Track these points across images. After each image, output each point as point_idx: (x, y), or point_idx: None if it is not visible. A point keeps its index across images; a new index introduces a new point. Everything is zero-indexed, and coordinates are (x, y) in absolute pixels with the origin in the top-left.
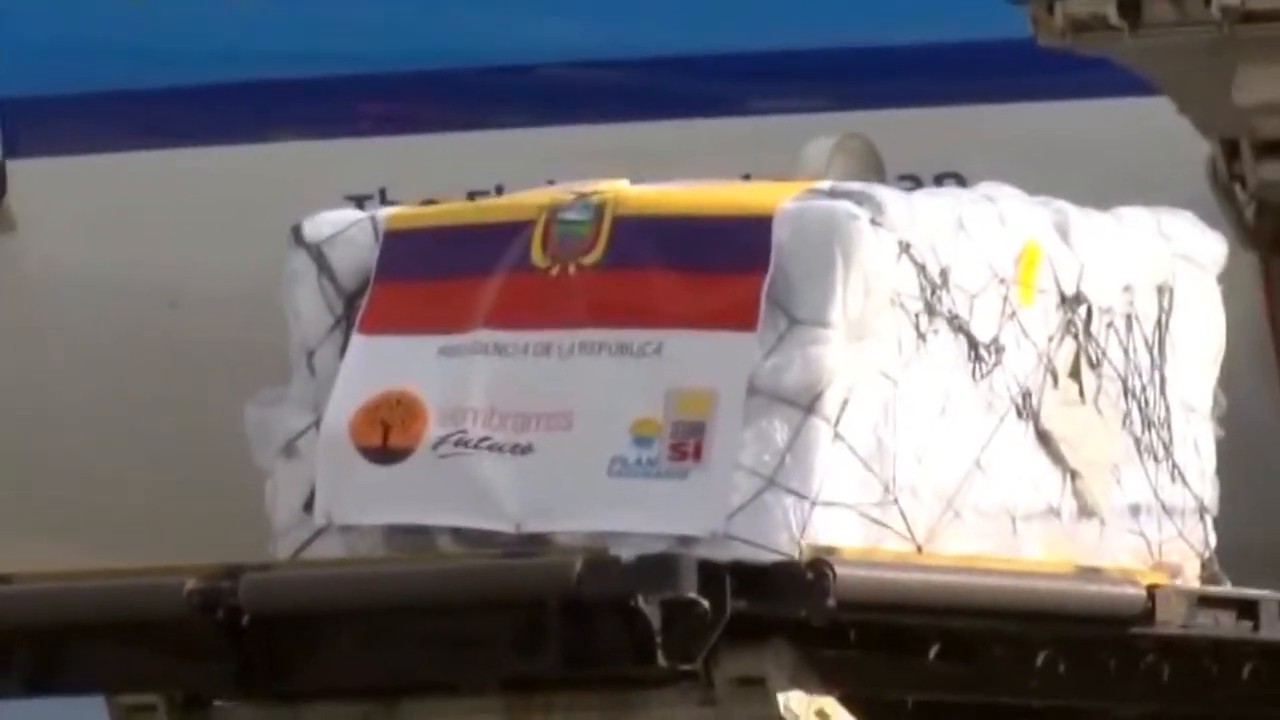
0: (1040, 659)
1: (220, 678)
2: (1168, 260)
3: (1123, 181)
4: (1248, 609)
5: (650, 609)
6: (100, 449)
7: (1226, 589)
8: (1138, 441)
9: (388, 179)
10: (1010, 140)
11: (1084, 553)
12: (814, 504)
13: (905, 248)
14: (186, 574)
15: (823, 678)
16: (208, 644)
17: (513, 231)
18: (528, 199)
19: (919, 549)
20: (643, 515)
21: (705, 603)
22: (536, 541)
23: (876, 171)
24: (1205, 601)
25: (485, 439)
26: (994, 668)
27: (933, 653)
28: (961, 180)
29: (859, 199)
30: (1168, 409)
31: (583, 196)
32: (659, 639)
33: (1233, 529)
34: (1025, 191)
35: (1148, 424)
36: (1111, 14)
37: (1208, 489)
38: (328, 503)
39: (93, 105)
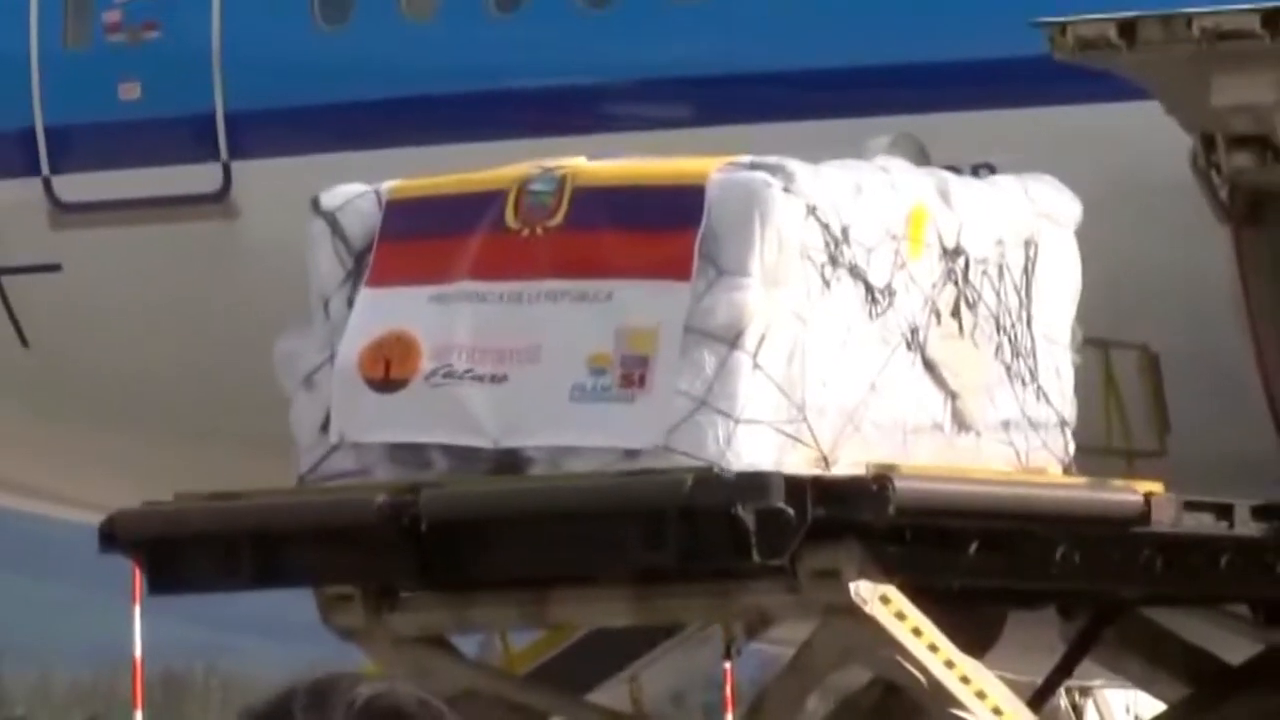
0: (1059, 552)
1: (404, 572)
2: (1032, 218)
3: (1114, 167)
4: (1224, 511)
5: (747, 516)
6: None
7: (1209, 498)
8: (1008, 368)
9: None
10: (1030, 137)
11: (963, 460)
12: (737, 422)
13: (812, 210)
14: (377, 490)
15: (885, 569)
16: (394, 546)
17: (490, 200)
18: (503, 173)
19: (824, 459)
20: (598, 432)
21: (790, 511)
22: (512, 455)
23: (924, 161)
24: (1190, 506)
25: (469, 371)
26: (1021, 559)
27: (972, 548)
28: (993, 169)
29: (774, 170)
30: (1033, 341)
31: (548, 170)
32: (754, 540)
33: (1218, 441)
34: (1049, 175)
35: (1016, 354)
36: (1112, 34)
37: (1067, 406)
38: (340, 424)
39: (299, 116)
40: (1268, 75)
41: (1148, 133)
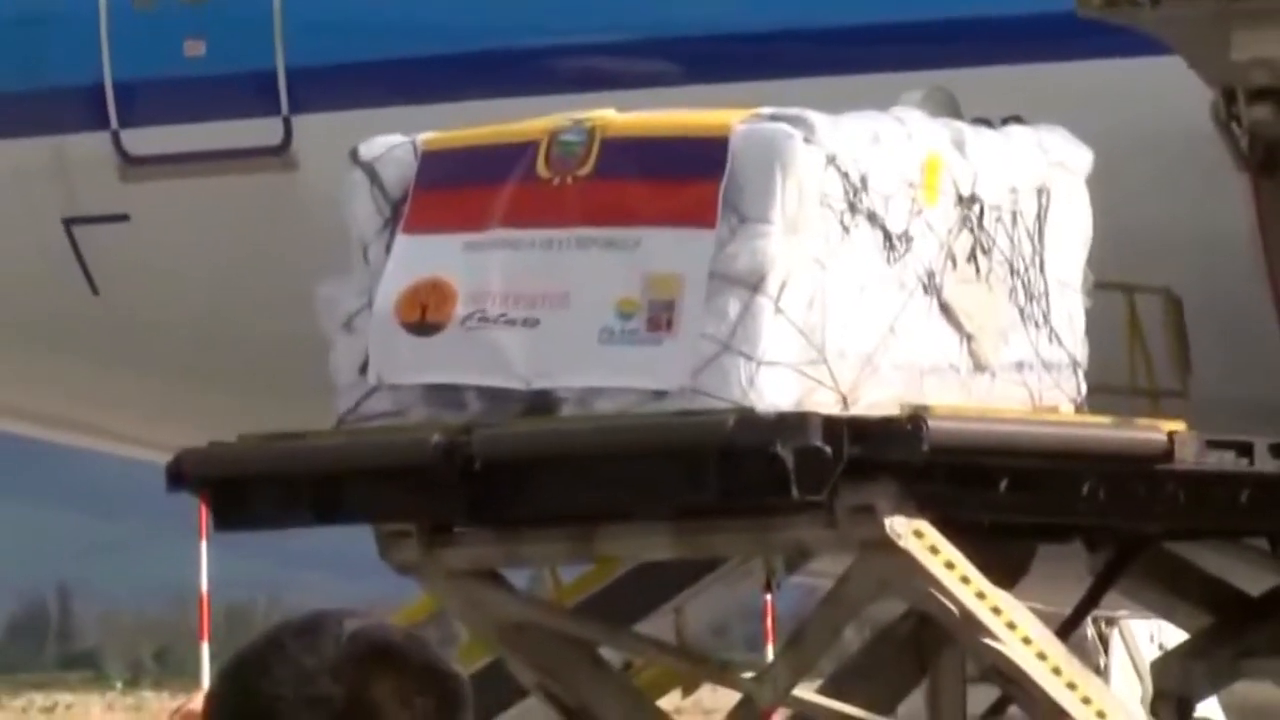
0: (1085, 488)
1: (458, 509)
2: (1045, 167)
3: (1138, 119)
4: (1245, 449)
5: (786, 454)
6: None
7: (1230, 436)
8: (1021, 311)
9: None
10: (1058, 90)
11: (978, 400)
12: (760, 364)
13: (831, 159)
14: (432, 430)
15: (919, 505)
16: (449, 484)
17: (522, 150)
18: (534, 124)
19: (844, 399)
20: (626, 374)
21: (828, 449)
22: (543, 395)
23: (955, 114)
24: (1211, 444)
25: (502, 315)
26: (1049, 496)
27: (1002, 485)
28: (1021, 121)
29: (794, 121)
30: (1046, 285)
31: (578, 122)
32: (793, 477)
33: (1239, 382)
34: (1078, 127)
35: (1030, 297)
36: None
37: (1079, 348)
38: (378, 367)
39: (357, 71)
40: None
41: (1170, 86)
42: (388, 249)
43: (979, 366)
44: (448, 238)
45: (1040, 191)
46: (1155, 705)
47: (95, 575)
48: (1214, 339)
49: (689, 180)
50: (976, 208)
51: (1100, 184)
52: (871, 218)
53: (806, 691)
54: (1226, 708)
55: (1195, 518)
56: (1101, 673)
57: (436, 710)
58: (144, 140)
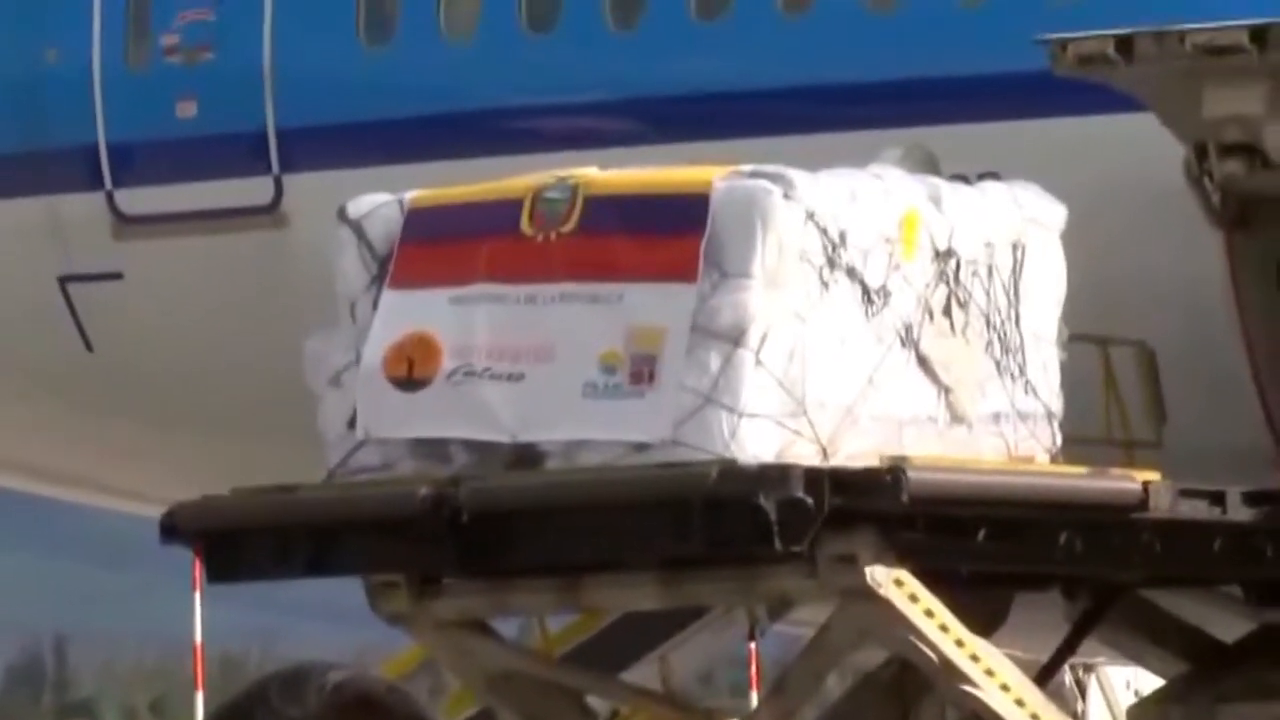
0: (1062, 537)
1: (446, 561)
2: (1019, 223)
3: (1112, 175)
4: (1218, 498)
5: (768, 505)
6: None
7: (1203, 485)
8: (998, 364)
9: None
10: (1033, 147)
11: (956, 451)
12: (741, 416)
13: (811, 215)
14: (420, 483)
15: (899, 555)
16: (437, 536)
17: (507, 207)
18: (518, 182)
19: (824, 450)
20: (609, 427)
21: (810, 500)
22: (528, 449)
23: (934, 170)
24: (1185, 493)
25: (487, 369)
26: (1026, 545)
27: (980, 534)
28: (998, 177)
29: (774, 178)
30: (1021, 338)
31: (561, 180)
32: (776, 528)
33: (1211, 432)
34: (1039, 184)
35: (1005, 350)
36: (1110, 50)
37: (1054, 399)
38: (366, 421)
39: (345, 131)
40: (1256, 88)
41: (1143, 142)
42: (375, 304)
43: (956, 418)
44: (433, 293)
45: (1015, 246)
46: None
47: (93, 625)
48: (1188, 390)
49: (671, 236)
50: (953, 262)
51: (1074, 238)
52: (850, 272)
53: None
54: None
55: (1170, 566)
56: (1079, 719)
57: None
58: (137, 200)
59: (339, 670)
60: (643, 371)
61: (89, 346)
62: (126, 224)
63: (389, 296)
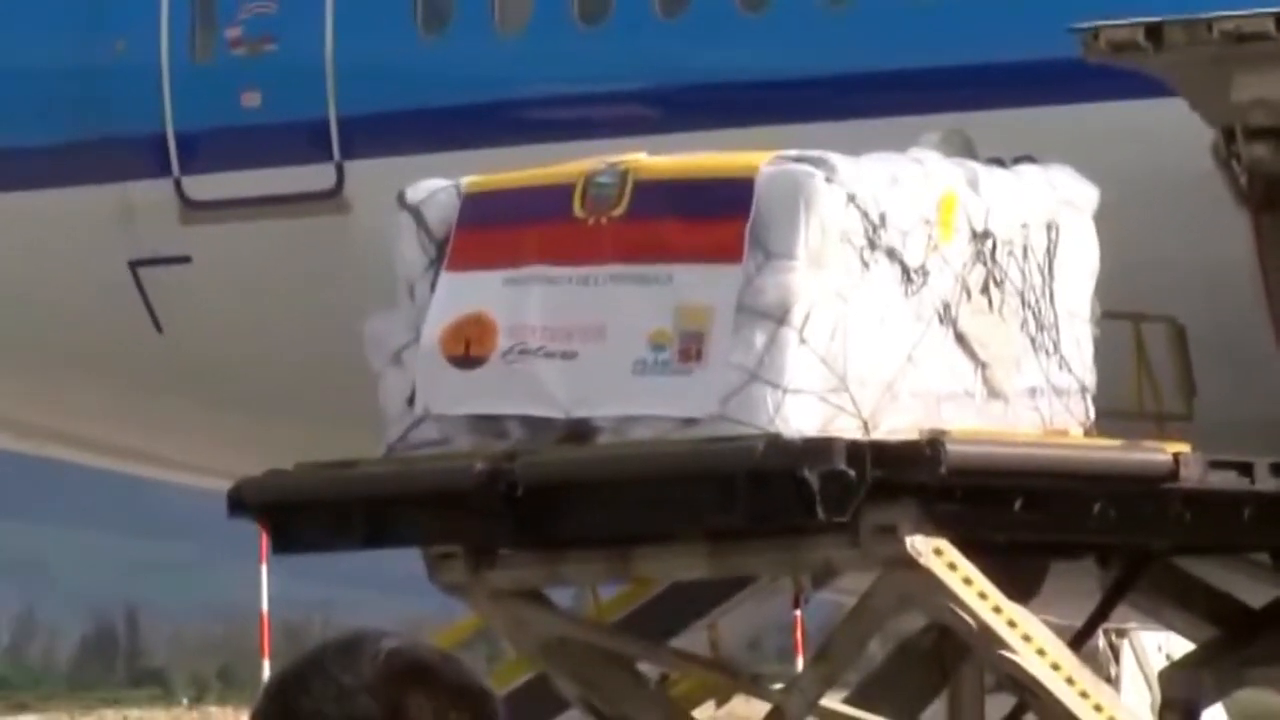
0: (1095, 508)
1: (502, 533)
2: (1054, 204)
3: (1145, 158)
4: (1246, 469)
5: (812, 478)
6: None
7: (1232, 457)
8: (1033, 340)
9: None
10: (1069, 131)
11: (993, 424)
12: (785, 391)
13: (852, 198)
14: (476, 457)
15: (938, 525)
16: (493, 509)
17: (559, 192)
18: (570, 167)
19: (865, 424)
20: (659, 402)
21: (851, 473)
22: (581, 424)
23: (971, 153)
24: (1215, 464)
25: (541, 348)
26: (1061, 515)
27: (1017, 505)
28: (1032, 161)
29: (817, 162)
30: (1055, 315)
31: (611, 165)
32: (819, 499)
33: (1239, 405)
34: (1088, 167)
35: (1040, 327)
36: (1140, 38)
37: (1088, 374)
38: (425, 398)
39: (404, 119)
40: None
41: (1174, 126)
42: (433, 286)
43: (993, 393)
44: (489, 275)
45: (1050, 227)
46: (1164, 713)
47: (162, 597)
48: (1217, 365)
49: (717, 219)
50: (989, 243)
51: (1107, 219)
52: (890, 253)
53: (834, 701)
54: (1231, 714)
55: (1200, 534)
56: (1112, 682)
57: None
58: (204, 186)
59: (392, 638)
60: (691, 349)
61: (159, 328)
62: (194, 209)
63: (446, 278)
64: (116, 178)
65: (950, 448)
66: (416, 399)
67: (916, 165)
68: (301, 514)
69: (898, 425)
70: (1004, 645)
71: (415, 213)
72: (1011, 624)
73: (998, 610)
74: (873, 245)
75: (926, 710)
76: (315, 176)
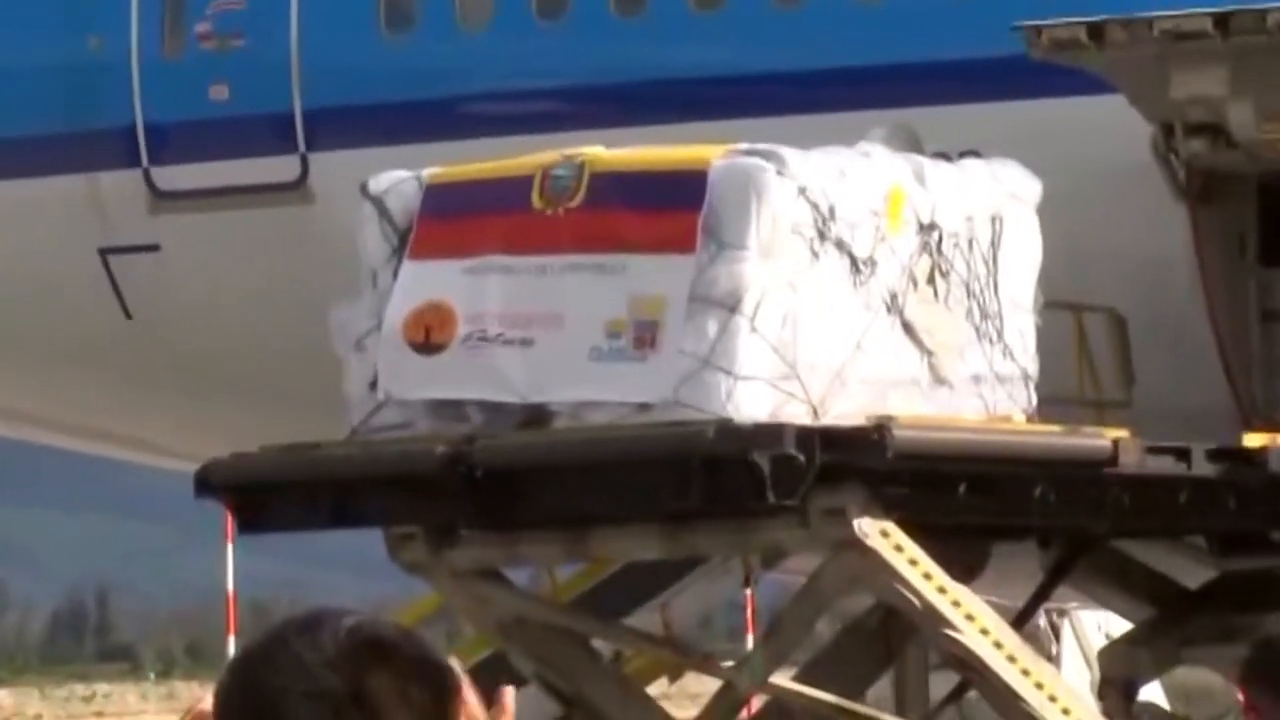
0: (1037, 491)
1: (461, 514)
2: (998, 197)
3: (1086, 153)
4: (1183, 454)
5: (763, 462)
6: None
7: (1169, 442)
8: (977, 329)
9: None
10: (1012, 126)
11: (938, 410)
12: (737, 378)
13: (802, 191)
14: (437, 441)
15: (885, 508)
16: (453, 490)
17: (518, 184)
18: (528, 160)
19: (814, 410)
20: (614, 388)
21: (801, 457)
22: (538, 409)
23: (917, 148)
24: (1152, 450)
25: (499, 335)
26: (1004, 498)
27: (961, 489)
28: (977, 155)
29: (768, 156)
30: (999, 305)
31: (569, 158)
32: (769, 483)
33: (1177, 393)
34: (1030, 160)
35: (985, 316)
36: (1083, 36)
37: (1030, 362)
38: (387, 383)
39: (367, 113)
40: (1219, 71)
41: (1115, 122)
42: (395, 275)
43: (938, 380)
44: (449, 264)
45: (994, 219)
46: (1103, 689)
47: (133, 576)
48: (1155, 354)
49: (671, 210)
50: (936, 234)
51: (1050, 212)
52: (839, 244)
53: (782, 679)
54: (1168, 691)
55: (1138, 518)
56: (1053, 660)
57: (429, 699)
58: (172, 176)
59: (353, 615)
60: (645, 337)
61: (127, 314)
62: (162, 199)
63: (408, 267)
64: (88, 168)
65: (897, 433)
66: (379, 384)
67: (864, 159)
68: (267, 495)
69: (846, 411)
70: (948, 624)
71: (378, 203)
72: (955, 604)
73: (942, 591)
74: (822, 236)
75: (872, 687)
76: (280, 168)
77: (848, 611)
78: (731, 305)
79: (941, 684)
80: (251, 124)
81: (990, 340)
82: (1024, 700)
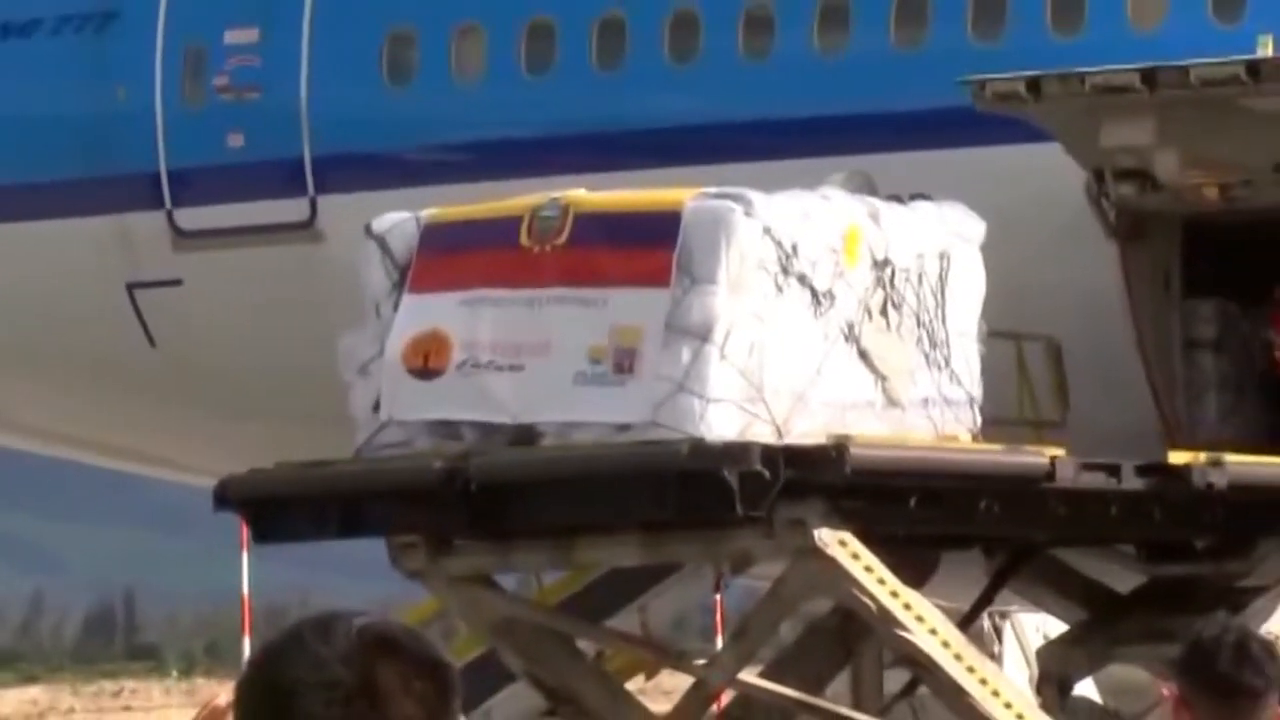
0: (981, 504)
1: (458, 524)
2: (946, 236)
3: (1025, 195)
4: (1114, 470)
5: (732, 477)
6: None
7: (1102, 459)
8: (926, 356)
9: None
10: (959, 171)
11: (891, 430)
12: (708, 401)
13: (768, 230)
14: (435, 458)
15: (843, 519)
16: (450, 503)
17: (508, 223)
18: (517, 202)
19: (778, 430)
20: (597, 410)
21: (767, 473)
22: (527, 429)
23: (872, 191)
24: (1086, 466)
25: (491, 361)
26: (952, 511)
27: (913, 501)
28: (928, 198)
29: (736, 198)
30: (947, 334)
31: (554, 200)
32: (738, 496)
33: (1104, 413)
34: (964, 203)
35: (933, 344)
36: (1022, 89)
37: (975, 387)
38: (389, 405)
39: (371, 159)
40: (1146, 122)
41: (1051, 168)
42: (396, 306)
43: (891, 402)
44: (446, 296)
45: (942, 256)
46: (1041, 685)
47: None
48: (1089, 379)
49: (648, 248)
50: (889, 270)
51: (993, 250)
52: (801, 279)
53: (750, 675)
54: (1100, 686)
55: (1073, 528)
56: (996, 658)
57: (431, 691)
58: (193, 217)
59: (363, 615)
60: (625, 363)
61: (152, 342)
62: (184, 238)
63: (408, 299)
64: (116, 209)
65: (854, 451)
66: (381, 406)
67: (824, 201)
68: (280, 508)
69: (808, 431)
70: (900, 626)
71: (380, 241)
72: (907, 607)
73: (895, 595)
74: (786, 272)
75: (832, 682)
76: (292, 209)
77: (809, 614)
78: (703, 334)
79: (895, 680)
80: (265, 169)
81: (939, 366)
82: (969, 695)
